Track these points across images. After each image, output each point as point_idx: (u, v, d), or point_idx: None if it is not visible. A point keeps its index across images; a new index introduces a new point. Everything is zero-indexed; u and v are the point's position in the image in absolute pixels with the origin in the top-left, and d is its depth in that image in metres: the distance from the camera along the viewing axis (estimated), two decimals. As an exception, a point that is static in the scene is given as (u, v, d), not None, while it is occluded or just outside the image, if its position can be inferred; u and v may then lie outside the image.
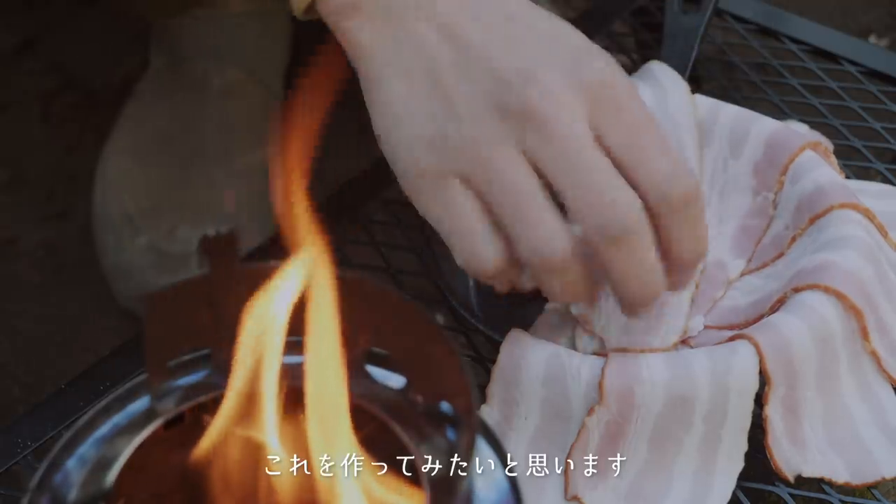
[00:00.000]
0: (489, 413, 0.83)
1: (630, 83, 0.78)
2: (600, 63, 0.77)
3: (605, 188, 0.74)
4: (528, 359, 0.82)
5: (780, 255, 0.89)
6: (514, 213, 0.75)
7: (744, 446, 0.81)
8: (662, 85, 0.95)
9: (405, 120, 0.77)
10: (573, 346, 0.87)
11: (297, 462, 0.64)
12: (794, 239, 0.89)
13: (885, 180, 0.98)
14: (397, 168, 0.78)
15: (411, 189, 0.78)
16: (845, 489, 0.82)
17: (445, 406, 0.65)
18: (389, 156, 0.79)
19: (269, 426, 0.64)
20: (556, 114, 0.75)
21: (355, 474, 0.63)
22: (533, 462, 0.82)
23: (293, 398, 0.64)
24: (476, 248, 0.77)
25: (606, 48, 1.10)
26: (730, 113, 0.94)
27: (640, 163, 0.75)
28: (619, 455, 0.81)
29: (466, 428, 0.62)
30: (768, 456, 0.81)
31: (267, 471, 0.64)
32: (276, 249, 0.63)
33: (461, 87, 0.76)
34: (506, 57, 0.76)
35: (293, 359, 0.65)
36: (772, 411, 0.81)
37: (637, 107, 0.76)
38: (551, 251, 0.75)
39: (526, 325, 0.89)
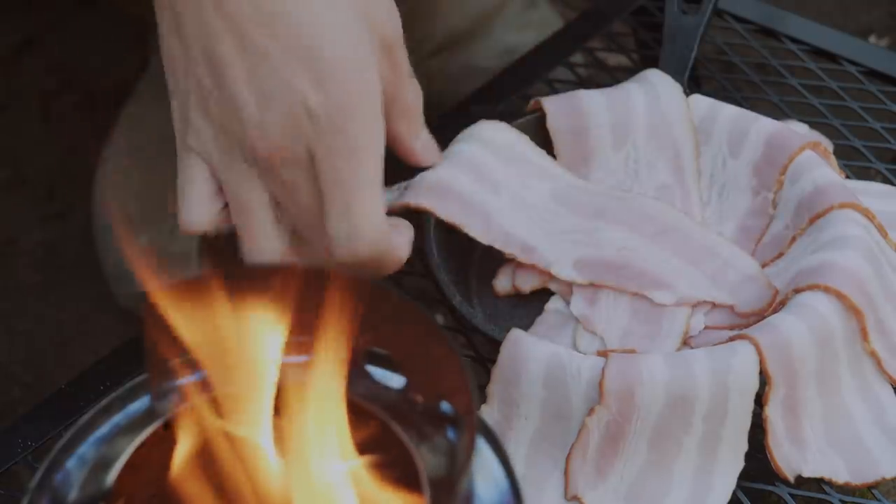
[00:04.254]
0: (489, 413, 0.83)
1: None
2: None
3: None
4: (529, 359, 0.82)
5: (780, 254, 0.89)
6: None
7: (744, 446, 0.81)
8: (655, 87, 0.95)
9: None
10: (573, 346, 0.87)
11: (296, 463, 0.64)
12: (794, 239, 0.89)
13: (885, 180, 0.98)
14: None
15: None
16: (845, 489, 0.82)
17: (445, 406, 0.65)
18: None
19: (268, 426, 0.64)
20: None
21: (354, 475, 0.63)
22: (533, 462, 0.82)
23: (292, 398, 0.64)
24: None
25: (606, 48, 1.11)
26: (729, 113, 0.94)
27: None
28: (619, 455, 0.81)
29: (466, 428, 0.62)
30: (768, 456, 0.81)
31: (266, 471, 0.64)
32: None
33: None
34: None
35: (292, 359, 0.65)
36: (772, 411, 0.81)
37: None
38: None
39: (526, 325, 0.89)
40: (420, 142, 0.87)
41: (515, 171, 0.92)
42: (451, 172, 0.89)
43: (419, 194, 0.88)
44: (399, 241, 0.83)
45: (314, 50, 0.78)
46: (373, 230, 0.81)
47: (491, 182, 0.90)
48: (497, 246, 0.89)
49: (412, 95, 0.85)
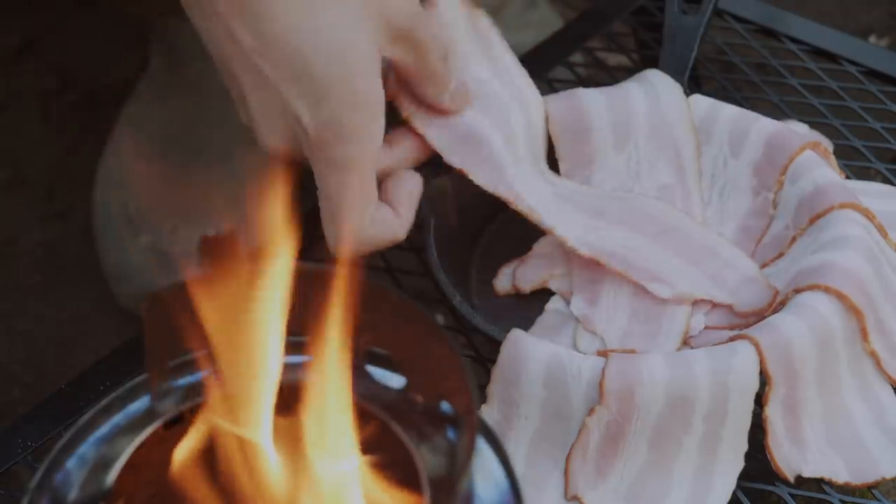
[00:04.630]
0: (489, 413, 0.83)
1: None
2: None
3: None
4: (529, 359, 0.82)
5: (781, 255, 0.89)
6: None
7: (744, 446, 0.81)
8: (655, 87, 0.95)
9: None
10: (573, 346, 0.87)
11: (297, 463, 0.64)
12: (794, 239, 0.89)
13: (885, 180, 0.98)
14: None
15: None
16: (845, 489, 0.82)
17: (445, 406, 0.65)
18: None
19: (268, 426, 0.64)
20: None
21: (355, 475, 0.63)
22: (533, 462, 0.82)
23: (293, 398, 0.64)
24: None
25: (606, 48, 1.11)
26: (729, 113, 0.94)
27: None
28: (619, 455, 0.81)
29: (466, 428, 0.62)
30: (768, 456, 0.81)
31: (266, 471, 0.64)
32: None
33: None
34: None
35: (293, 358, 0.65)
36: (772, 411, 0.81)
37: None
38: None
39: (526, 325, 0.89)
40: (448, 97, 0.90)
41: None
42: (482, 125, 0.91)
43: (444, 146, 0.90)
44: (392, 226, 0.86)
45: (304, 70, 0.82)
46: (355, 240, 0.85)
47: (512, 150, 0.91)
48: (506, 199, 0.90)
49: (438, 62, 0.88)
